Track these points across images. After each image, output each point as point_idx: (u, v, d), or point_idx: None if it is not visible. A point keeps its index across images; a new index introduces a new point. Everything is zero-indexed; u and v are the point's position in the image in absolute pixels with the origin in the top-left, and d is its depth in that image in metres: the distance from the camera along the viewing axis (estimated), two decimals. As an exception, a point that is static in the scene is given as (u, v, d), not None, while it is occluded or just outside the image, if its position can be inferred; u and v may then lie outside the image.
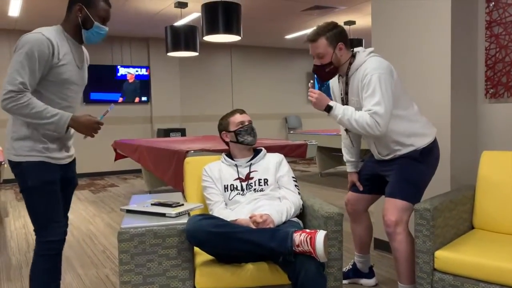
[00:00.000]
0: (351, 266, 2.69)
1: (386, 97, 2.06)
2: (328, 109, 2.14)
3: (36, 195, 1.95)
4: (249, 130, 2.30)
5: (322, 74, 2.24)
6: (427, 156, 2.23)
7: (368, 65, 2.13)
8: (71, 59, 1.97)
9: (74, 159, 2.17)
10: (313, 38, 2.17)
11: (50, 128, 1.90)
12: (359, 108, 2.16)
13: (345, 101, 2.29)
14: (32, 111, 1.82)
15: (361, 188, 2.49)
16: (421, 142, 2.22)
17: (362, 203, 2.53)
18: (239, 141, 2.30)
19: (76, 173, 2.20)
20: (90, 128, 1.95)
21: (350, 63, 2.20)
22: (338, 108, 2.13)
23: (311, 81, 2.31)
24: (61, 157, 2.02)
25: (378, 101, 2.05)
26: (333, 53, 2.17)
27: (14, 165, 1.95)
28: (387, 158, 2.29)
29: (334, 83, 2.41)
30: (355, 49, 2.25)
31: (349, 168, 2.56)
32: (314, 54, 2.20)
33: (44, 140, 1.94)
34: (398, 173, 2.23)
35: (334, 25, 2.19)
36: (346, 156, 2.57)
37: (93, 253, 3.49)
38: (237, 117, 2.33)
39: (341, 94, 2.32)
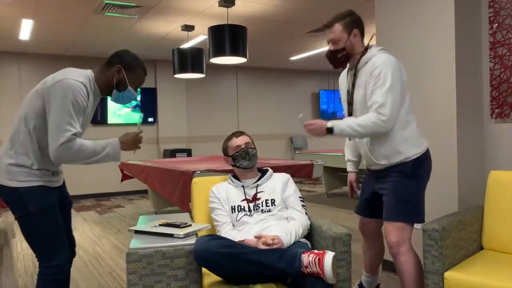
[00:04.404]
0: (357, 286, 2.66)
1: (393, 90, 2.06)
2: (329, 130, 2.15)
3: (38, 220, 1.90)
4: (244, 154, 2.30)
5: (334, 59, 2.25)
6: (419, 169, 2.18)
7: (378, 58, 2.12)
8: (92, 106, 2.02)
9: (64, 180, 2.18)
10: (329, 23, 2.22)
11: (108, 159, 1.93)
12: (363, 102, 2.16)
13: (351, 93, 2.27)
14: (85, 154, 1.86)
15: (356, 190, 2.51)
16: (414, 151, 2.17)
17: (371, 225, 2.51)
18: (236, 166, 2.32)
19: (68, 193, 2.21)
20: (135, 143, 2.03)
21: (361, 57, 2.21)
22: (338, 125, 2.13)
23: (301, 114, 2.34)
24: (55, 180, 2.04)
25: (386, 92, 2.05)
26: (348, 39, 2.19)
27: (9, 190, 1.89)
28: (382, 166, 2.24)
29: (342, 79, 2.42)
30: (369, 45, 2.26)
31: (349, 167, 2.57)
32: (328, 40, 2.24)
33: (42, 168, 1.94)
34: (392, 194, 2.19)
35: (351, 12, 2.23)
36: (348, 156, 2.58)
37: (100, 275, 3.47)
38: (234, 142, 2.34)
39: (348, 86, 2.31)
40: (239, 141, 2.34)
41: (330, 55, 2.24)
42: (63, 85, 1.83)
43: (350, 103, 2.27)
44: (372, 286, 2.62)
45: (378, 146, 2.21)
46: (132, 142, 2.01)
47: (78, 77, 1.89)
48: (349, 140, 2.52)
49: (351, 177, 2.56)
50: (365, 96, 2.15)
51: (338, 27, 2.19)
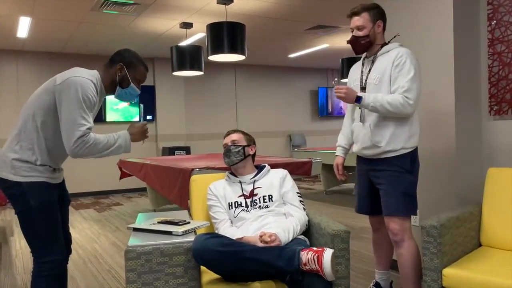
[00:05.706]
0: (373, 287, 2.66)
1: (417, 79, 2.21)
2: (358, 99, 2.23)
3: (38, 215, 1.94)
4: (225, 151, 2.35)
5: (357, 45, 2.35)
6: (415, 163, 2.32)
7: (402, 49, 2.27)
8: (98, 105, 2.07)
9: (64, 177, 2.21)
10: (357, 11, 2.33)
11: (121, 150, 1.99)
12: (378, 85, 2.27)
13: (364, 80, 2.36)
14: (100, 146, 1.91)
15: (342, 174, 2.58)
16: (412, 143, 2.29)
17: (375, 220, 2.56)
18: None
19: (67, 190, 2.23)
20: (143, 133, 2.09)
21: (382, 47, 2.35)
22: (368, 97, 2.22)
23: (335, 79, 2.44)
24: (56, 177, 2.07)
25: (412, 79, 2.19)
26: (372, 28, 2.31)
27: (12, 185, 1.93)
28: (376, 151, 2.30)
29: (355, 68, 2.51)
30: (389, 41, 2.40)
31: (338, 152, 2.64)
32: (354, 27, 2.34)
33: (45, 164, 1.97)
34: (391, 189, 2.28)
35: (377, 5, 2.37)
36: (340, 142, 2.64)
37: (99, 272, 3.47)
38: (224, 140, 2.41)
39: (361, 72, 2.41)
40: (227, 139, 2.38)
41: (354, 40, 2.36)
42: (73, 82, 1.89)
43: (364, 88, 2.36)
44: (388, 283, 2.64)
45: (383, 129, 2.28)
46: (140, 133, 2.08)
47: (87, 75, 1.96)
48: (349, 125, 2.58)
49: (339, 160, 2.64)
50: (380, 80, 2.27)
51: (365, 16, 2.31)
